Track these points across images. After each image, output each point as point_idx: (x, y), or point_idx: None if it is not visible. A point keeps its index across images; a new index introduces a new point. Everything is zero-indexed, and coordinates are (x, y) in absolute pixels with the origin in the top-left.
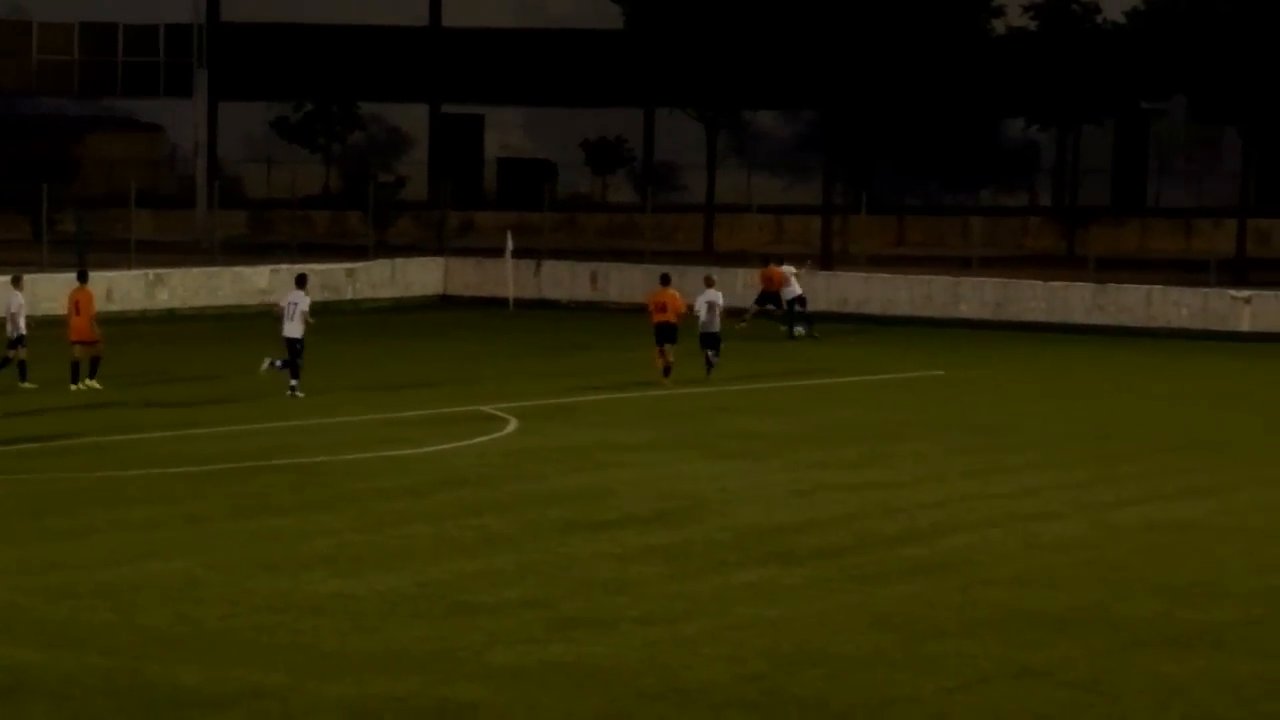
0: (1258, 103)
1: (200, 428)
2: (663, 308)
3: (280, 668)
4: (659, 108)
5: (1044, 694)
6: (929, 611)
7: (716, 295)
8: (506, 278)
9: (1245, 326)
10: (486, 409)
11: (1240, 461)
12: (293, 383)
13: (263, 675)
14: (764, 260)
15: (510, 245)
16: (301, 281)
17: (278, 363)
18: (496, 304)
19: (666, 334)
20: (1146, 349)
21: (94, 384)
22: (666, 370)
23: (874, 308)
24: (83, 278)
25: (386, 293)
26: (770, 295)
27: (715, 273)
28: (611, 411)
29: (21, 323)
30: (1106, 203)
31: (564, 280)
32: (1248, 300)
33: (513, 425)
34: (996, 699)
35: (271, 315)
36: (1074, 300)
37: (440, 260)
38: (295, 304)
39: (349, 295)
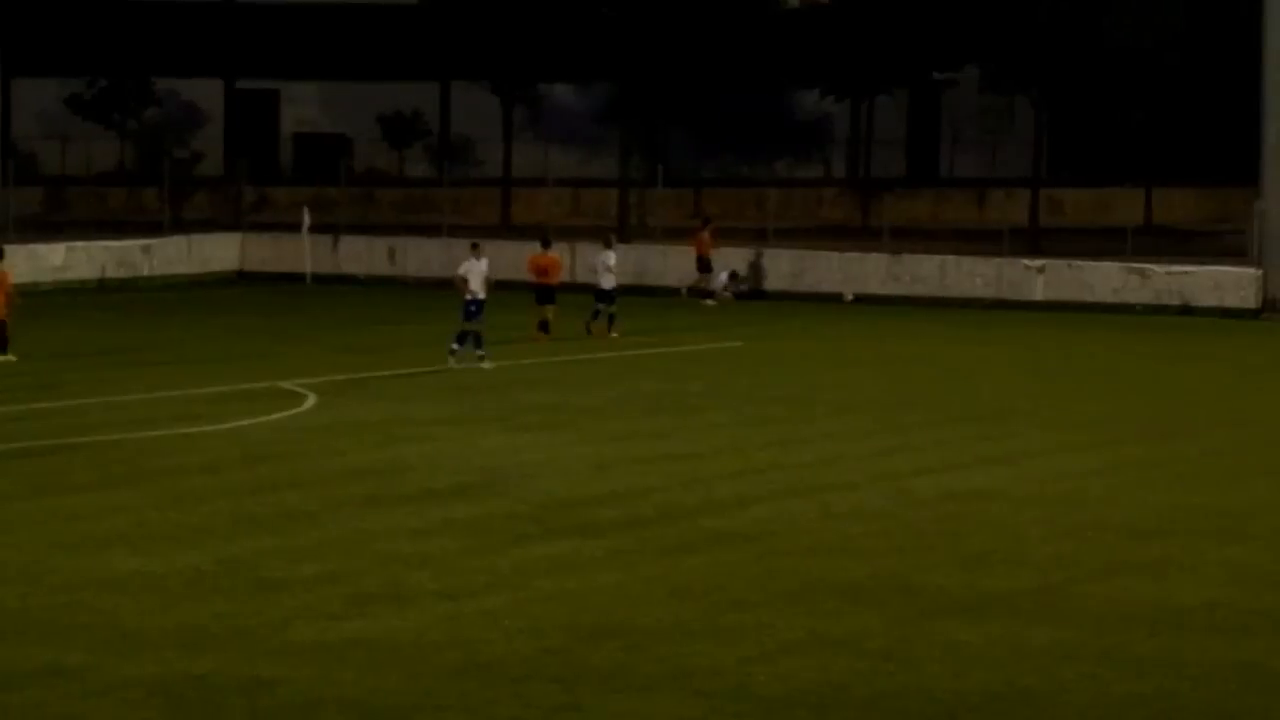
0: (1049, 71)
1: None
2: (544, 271)
3: (80, 646)
4: (454, 81)
5: (843, 663)
6: (729, 582)
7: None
8: (304, 253)
9: (1039, 295)
10: (284, 385)
11: (1036, 429)
12: (480, 353)
13: (61, 654)
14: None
15: (307, 220)
16: (476, 248)
17: (459, 345)
18: (294, 279)
19: (547, 296)
20: (942, 318)
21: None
22: (544, 326)
23: (671, 280)
24: None
25: (183, 269)
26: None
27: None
28: (410, 386)
29: None
30: (901, 173)
31: (362, 255)
32: (1041, 269)
33: (311, 401)
34: (796, 669)
35: (455, 287)
36: (869, 270)
37: (237, 236)
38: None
39: (145, 272)
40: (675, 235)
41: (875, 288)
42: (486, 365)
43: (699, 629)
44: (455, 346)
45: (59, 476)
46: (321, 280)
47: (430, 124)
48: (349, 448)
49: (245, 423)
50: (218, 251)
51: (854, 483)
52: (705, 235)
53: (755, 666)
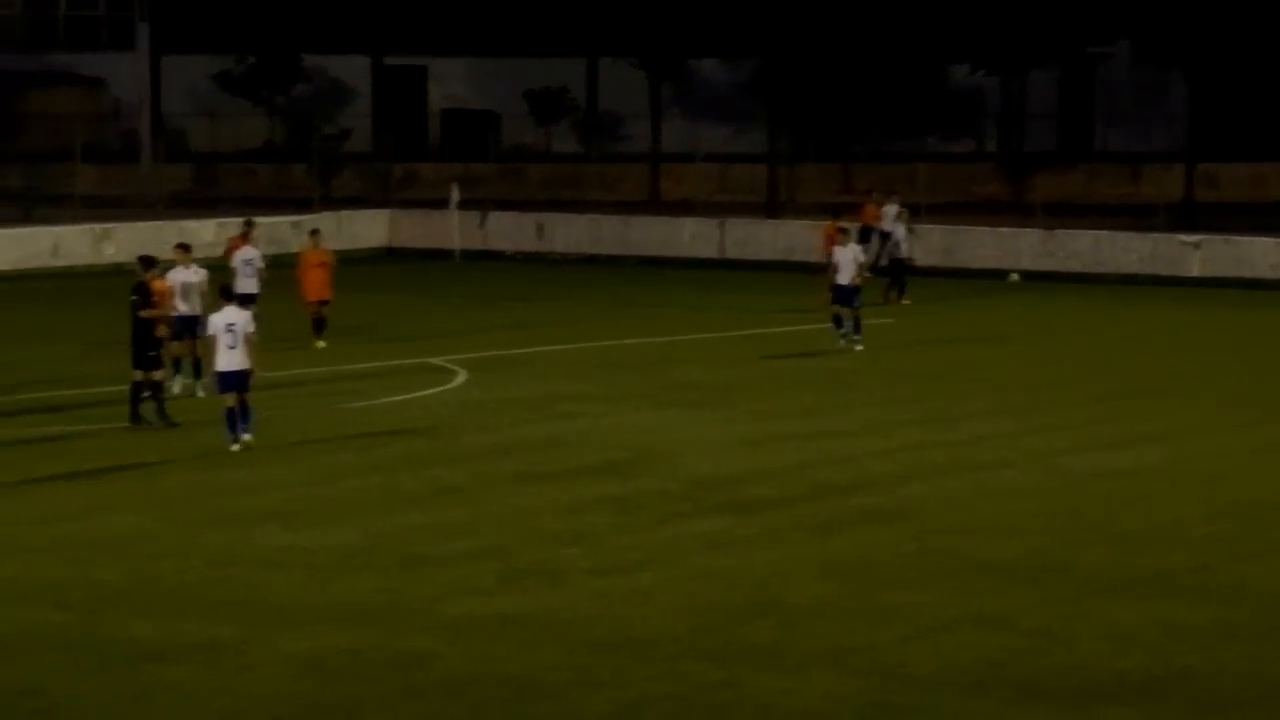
0: (1202, 46)
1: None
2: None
3: (234, 621)
4: (601, 57)
5: (1000, 641)
6: (882, 560)
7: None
8: (452, 229)
9: (1194, 271)
10: (434, 361)
11: (1192, 406)
12: (856, 336)
13: (217, 628)
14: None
15: (455, 197)
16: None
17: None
18: (442, 256)
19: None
20: (1095, 295)
21: None
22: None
23: (821, 256)
24: None
25: (332, 246)
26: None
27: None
28: (560, 363)
29: None
30: (1053, 148)
31: (510, 231)
32: (1197, 245)
33: (461, 377)
34: (952, 647)
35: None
36: (1022, 246)
37: (385, 213)
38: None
39: (294, 249)
40: (826, 211)
41: (1028, 263)
42: (858, 347)
43: (852, 607)
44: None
45: (211, 452)
46: (470, 256)
47: (577, 99)
48: (500, 424)
49: (396, 399)
50: (366, 228)
51: (1007, 460)
52: (871, 206)
53: (910, 645)
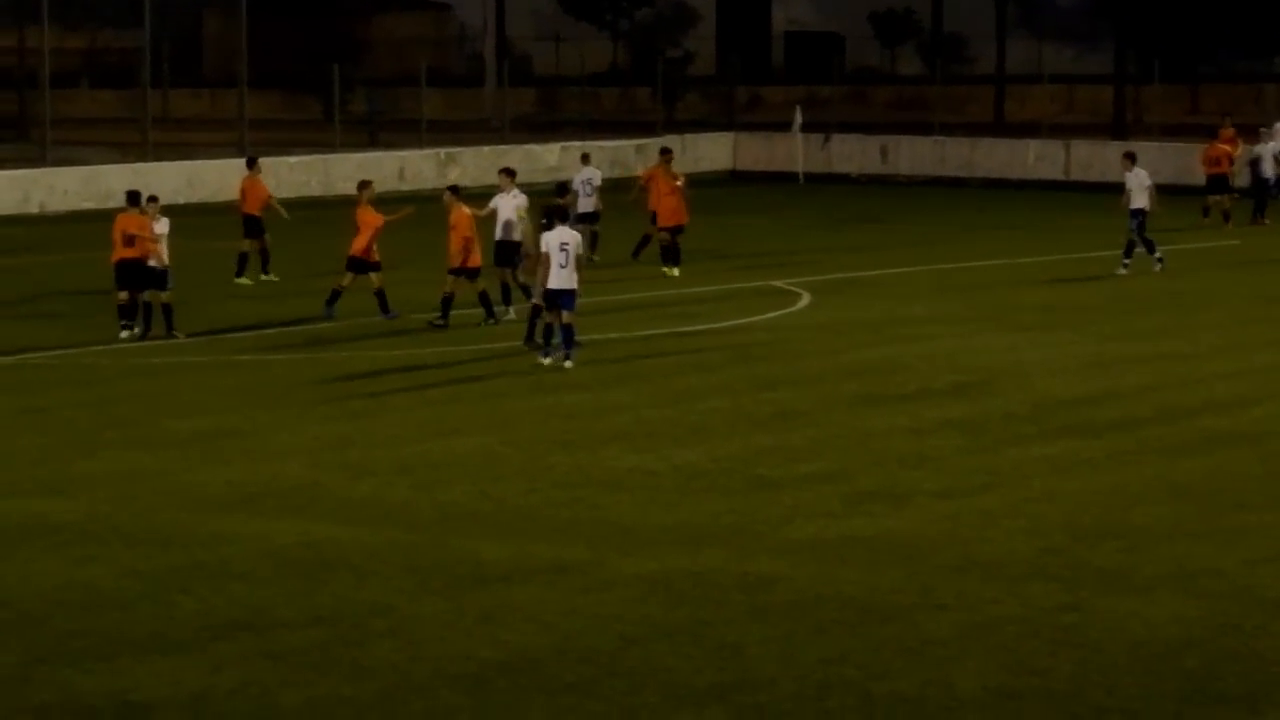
0: None
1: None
2: (1216, 161)
3: (581, 542)
4: None
5: None
6: (1230, 483)
7: None
8: (796, 152)
9: None
10: (778, 284)
11: None
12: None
13: (564, 550)
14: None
15: (799, 119)
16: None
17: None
18: (786, 178)
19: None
20: None
21: (268, 276)
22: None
23: (1166, 177)
24: (251, 164)
25: (677, 168)
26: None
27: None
28: (904, 285)
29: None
30: None
31: (853, 154)
32: None
33: (805, 300)
34: None
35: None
36: None
37: (729, 135)
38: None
39: (639, 171)
40: (1172, 133)
41: None
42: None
43: (1200, 530)
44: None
45: (556, 375)
46: (814, 179)
47: (922, 21)
48: (844, 347)
49: (740, 322)
50: (711, 151)
51: None
52: (1231, 132)
53: (1259, 568)
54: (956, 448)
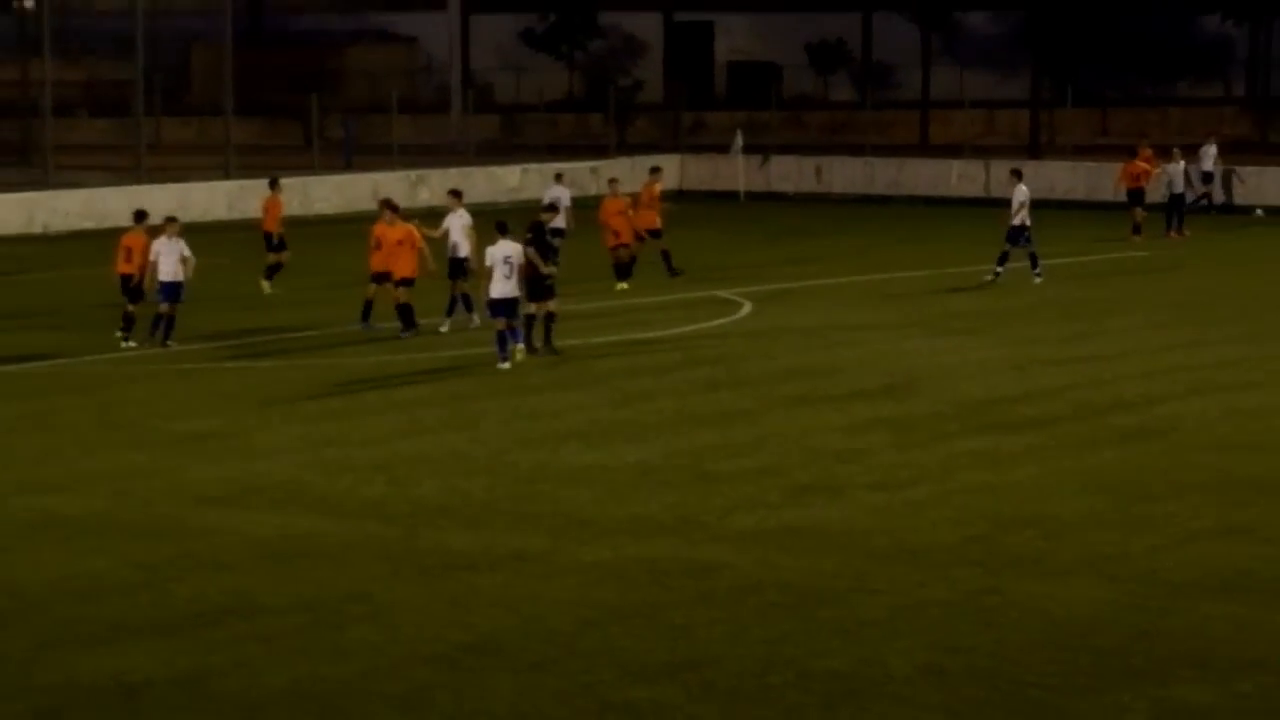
0: None
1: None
2: (1136, 177)
3: (541, 533)
4: (876, 11)
5: (1249, 550)
6: (1139, 476)
7: None
8: (737, 172)
9: None
10: (722, 294)
11: None
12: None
13: (526, 540)
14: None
15: (740, 142)
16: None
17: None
18: (728, 197)
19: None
20: None
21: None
22: (1136, 229)
23: (1079, 194)
24: (274, 184)
25: (626, 188)
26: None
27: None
28: (839, 294)
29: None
30: None
31: (791, 173)
32: None
33: (747, 308)
34: (1203, 555)
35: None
36: (1267, 184)
37: (676, 157)
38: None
39: (593, 191)
40: (1084, 152)
41: (1273, 199)
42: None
43: (1111, 519)
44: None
45: (517, 378)
46: (754, 197)
47: (853, 51)
48: (782, 351)
49: (686, 329)
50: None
51: (1256, 382)
52: (1148, 153)
53: (1164, 554)
54: (887, 444)
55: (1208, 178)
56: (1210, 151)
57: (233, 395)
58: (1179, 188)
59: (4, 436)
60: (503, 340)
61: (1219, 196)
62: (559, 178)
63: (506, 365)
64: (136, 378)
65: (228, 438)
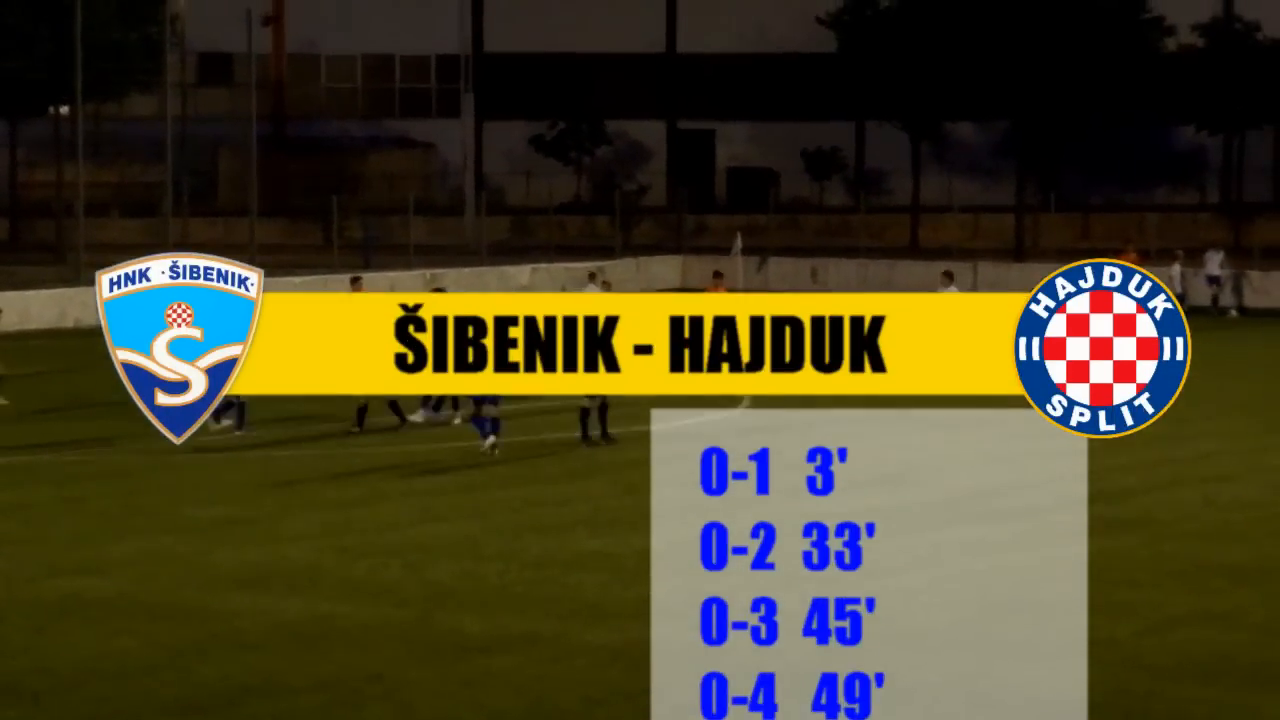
0: None
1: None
2: None
3: (551, 616)
4: (869, 121)
5: (1227, 636)
6: (1121, 563)
7: None
8: (736, 272)
9: None
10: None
11: None
12: None
13: (536, 623)
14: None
15: (740, 244)
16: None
17: None
18: None
19: None
20: None
21: None
22: None
23: None
24: (355, 282)
25: (632, 287)
26: None
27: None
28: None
29: None
30: (1269, 198)
31: (787, 274)
32: None
33: (745, 403)
34: (1184, 640)
35: None
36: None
37: (678, 258)
38: None
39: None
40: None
41: (1249, 300)
42: None
43: (1096, 604)
44: None
45: (528, 469)
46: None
47: (847, 158)
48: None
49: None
50: (662, 271)
51: (1233, 474)
52: (1133, 255)
53: (1146, 638)
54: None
55: (1212, 281)
56: (1216, 257)
57: (254, 484)
58: (1178, 289)
59: (38, 521)
60: (480, 422)
61: (1228, 300)
62: (593, 276)
63: (487, 446)
64: (164, 466)
65: (250, 524)
